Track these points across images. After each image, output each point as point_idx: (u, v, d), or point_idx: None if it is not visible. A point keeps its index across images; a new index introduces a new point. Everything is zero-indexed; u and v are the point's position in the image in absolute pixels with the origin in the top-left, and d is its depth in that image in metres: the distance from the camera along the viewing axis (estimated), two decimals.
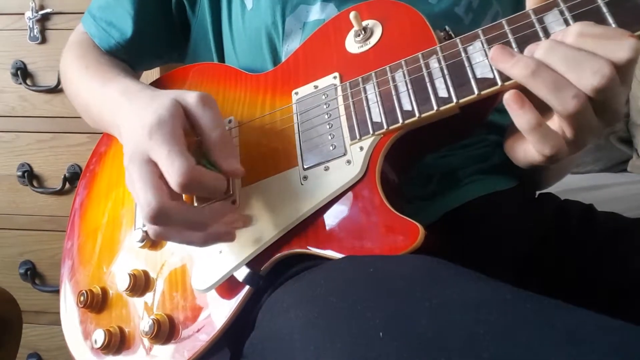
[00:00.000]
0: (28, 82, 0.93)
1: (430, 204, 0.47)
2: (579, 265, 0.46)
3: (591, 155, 1.21)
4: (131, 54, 0.57)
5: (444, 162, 0.48)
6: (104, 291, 0.47)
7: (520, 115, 0.32)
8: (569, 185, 0.59)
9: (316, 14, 0.47)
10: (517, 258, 0.48)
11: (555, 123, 0.33)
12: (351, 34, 0.43)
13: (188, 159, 0.35)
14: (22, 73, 0.92)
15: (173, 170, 0.35)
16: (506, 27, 0.34)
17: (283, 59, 0.48)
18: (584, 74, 0.29)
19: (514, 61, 0.31)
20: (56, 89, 0.92)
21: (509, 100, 0.32)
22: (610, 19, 0.30)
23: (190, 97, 0.39)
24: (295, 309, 0.31)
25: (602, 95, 0.30)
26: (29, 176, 0.94)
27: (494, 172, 0.50)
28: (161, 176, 0.37)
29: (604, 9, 0.30)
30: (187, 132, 0.38)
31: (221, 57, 0.54)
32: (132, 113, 0.41)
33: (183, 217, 0.36)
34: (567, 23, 0.31)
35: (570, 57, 0.30)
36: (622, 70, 0.30)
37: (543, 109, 0.32)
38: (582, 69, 0.30)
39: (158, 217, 0.35)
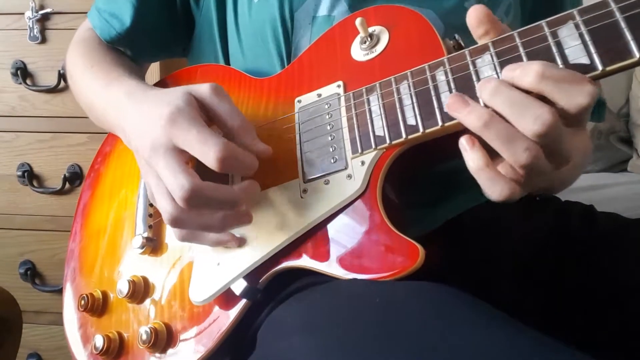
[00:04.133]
0: (28, 82, 0.93)
1: (432, 210, 0.47)
2: (579, 266, 0.46)
3: (591, 155, 1.21)
4: (132, 45, 0.56)
5: (445, 168, 0.47)
6: (105, 295, 0.48)
7: (468, 155, 0.32)
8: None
9: (325, 9, 0.46)
10: (519, 260, 0.47)
11: (504, 169, 0.32)
12: (357, 40, 0.42)
13: (221, 137, 0.36)
14: (22, 73, 0.92)
15: (209, 147, 0.35)
16: (517, 40, 0.32)
17: (292, 54, 0.47)
18: (526, 119, 0.29)
19: (468, 111, 0.31)
20: (56, 89, 0.92)
21: (462, 141, 0.33)
22: (628, 35, 0.28)
23: (202, 88, 0.39)
24: (298, 336, 0.31)
25: (544, 140, 0.30)
26: (29, 176, 0.94)
27: None
28: (187, 161, 0.37)
29: (622, 24, 0.29)
30: (205, 122, 0.38)
31: (226, 51, 0.53)
32: (139, 113, 0.40)
33: (216, 195, 0.36)
34: (582, 38, 0.30)
35: (514, 101, 0.30)
36: (577, 115, 0.30)
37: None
38: (524, 114, 0.29)
39: (192, 198, 0.35)
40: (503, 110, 0.30)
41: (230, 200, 0.37)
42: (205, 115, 0.39)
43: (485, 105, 0.32)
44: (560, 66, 0.30)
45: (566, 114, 0.30)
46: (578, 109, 0.29)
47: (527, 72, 0.30)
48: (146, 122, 0.38)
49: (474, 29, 0.34)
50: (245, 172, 0.38)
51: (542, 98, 0.30)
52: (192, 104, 0.38)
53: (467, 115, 0.31)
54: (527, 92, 0.31)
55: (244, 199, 0.38)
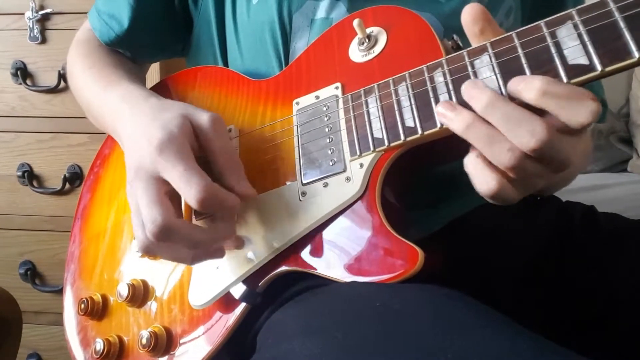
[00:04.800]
0: (28, 82, 0.92)
1: (433, 212, 0.47)
2: (581, 267, 0.45)
3: (591, 155, 1.21)
4: (131, 46, 0.56)
5: (445, 170, 0.47)
6: (105, 299, 0.48)
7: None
8: (570, 185, 0.60)
9: (324, 11, 0.46)
10: (520, 261, 0.47)
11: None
12: (355, 41, 0.42)
13: (205, 176, 0.35)
14: (22, 73, 0.91)
15: (192, 187, 0.34)
16: (516, 41, 0.32)
17: (290, 57, 0.47)
18: (521, 134, 0.29)
19: (453, 115, 0.31)
20: (56, 89, 0.91)
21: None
22: (628, 35, 0.28)
23: (202, 117, 0.38)
24: (299, 339, 0.31)
25: (540, 153, 0.29)
26: (29, 176, 0.94)
27: None
28: (166, 193, 0.36)
29: (622, 24, 0.28)
30: (194, 150, 0.38)
31: (224, 52, 0.53)
32: (134, 123, 0.40)
33: (187, 235, 0.36)
34: (581, 38, 0.30)
35: (509, 115, 0.30)
36: (579, 130, 0.29)
37: None
38: (518, 129, 0.29)
39: (161, 234, 0.35)
40: (497, 124, 0.30)
41: (203, 241, 0.37)
42: (198, 142, 0.38)
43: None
44: (563, 76, 0.30)
45: (568, 129, 0.29)
46: (579, 125, 0.29)
47: (529, 88, 0.30)
48: (137, 140, 0.38)
49: (469, 26, 0.33)
50: (226, 215, 0.37)
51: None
52: (186, 131, 0.37)
53: (452, 120, 0.32)
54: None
55: (215, 240, 0.37)
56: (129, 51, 0.57)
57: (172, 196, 0.37)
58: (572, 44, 0.30)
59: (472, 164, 0.32)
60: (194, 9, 0.55)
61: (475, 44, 0.34)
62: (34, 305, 0.96)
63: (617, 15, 0.29)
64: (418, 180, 0.43)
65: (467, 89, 0.32)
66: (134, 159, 0.38)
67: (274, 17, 0.47)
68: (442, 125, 0.34)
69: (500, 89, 0.32)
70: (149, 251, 0.37)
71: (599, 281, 0.44)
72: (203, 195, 0.34)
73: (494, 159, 0.31)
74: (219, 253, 0.39)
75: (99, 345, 0.44)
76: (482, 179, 0.32)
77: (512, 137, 0.30)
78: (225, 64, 0.53)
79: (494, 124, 0.30)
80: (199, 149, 0.38)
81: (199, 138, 0.38)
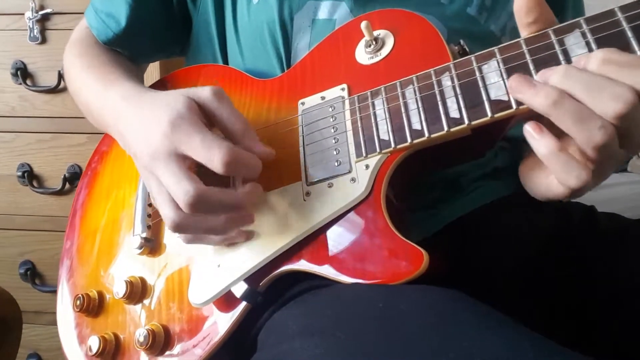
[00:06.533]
0: (28, 82, 0.92)
1: (434, 213, 0.47)
2: (580, 267, 0.45)
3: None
4: (129, 46, 0.56)
5: (447, 171, 0.47)
6: (101, 295, 0.47)
7: (539, 141, 0.30)
8: None
9: (326, 11, 0.46)
10: (521, 261, 0.47)
11: (576, 155, 0.31)
12: (362, 43, 0.42)
13: (224, 141, 0.35)
14: (22, 73, 0.91)
15: (214, 152, 0.35)
16: (524, 47, 0.32)
17: (291, 57, 0.47)
18: (605, 99, 0.28)
19: (534, 91, 0.30)
20: (56, 89, 0.91)
21: (528, 128, 0.31)
22: (634, 44, 0.29)
23: (203, 92, 0.38)
24: (301, 339, 0.31)
25: (624, 122, 0.28)
26: (29, 176, 0.93)
27: (496, 177, 0.49)
28: (190, 167, 0.37)
29: (629, 33, 0.29)
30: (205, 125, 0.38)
31: (224, 52, 0.53)
32: (139, 116, 0.40)
33: (221, 199, 0.36)
34: (589, 46, 0.30)
35: (590, 82, 0.28)
36: None
37: (562, 141, 0.31)
38: (602, 95, 0.28)
39: (197, 203, 0.35)
40: (577, 91, 0.29)
41: (235, 204, 0.37)
42: (206, 119, 0.38)
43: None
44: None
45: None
46: None
47: (590, 60, 0.29)
48: (145, 128, 0.38)
49: (522, 16, 0.32)
50: (251, 174, 0.38)
51: None
52: (192, 108, 0.37)
53: (534, 96, 0.30)
54: None
55: (247, 202, 0.38)
56: (127, 50, 0.56)
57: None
58: (580, 52, 0.30)
59: (557, 159, 0.30)
60: (192, 8, 0.55)
61: (524, 32, 0.33)
62: (34, 305, 0.95)
63: (625, 25, 0.29)
64: (421, 183, 0.44)
65: (540, 73, 0.31)
66: (145, 146, 0.37)
67: (274, 17, 0.47)
68: (449, 128, 0.34)
69: (508, 94, 0.32)
70: (181, 228, 0.37)
71: (599, 281, 0.44)
72: (228, 158, 0.34)
73: (584, 138, 0.29)
74: (249, 218, 0.39)
75: (94, 343, 0.43)
76: (572, 173, 0.30)
77: (597, 104, 0.28)
78: (225, 63, 0.53)
79: (572, 92, 0.29)
80: (208, 124, 0.38)
81: (206, 113, 0.38)
